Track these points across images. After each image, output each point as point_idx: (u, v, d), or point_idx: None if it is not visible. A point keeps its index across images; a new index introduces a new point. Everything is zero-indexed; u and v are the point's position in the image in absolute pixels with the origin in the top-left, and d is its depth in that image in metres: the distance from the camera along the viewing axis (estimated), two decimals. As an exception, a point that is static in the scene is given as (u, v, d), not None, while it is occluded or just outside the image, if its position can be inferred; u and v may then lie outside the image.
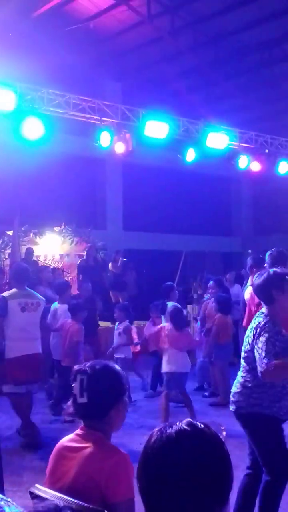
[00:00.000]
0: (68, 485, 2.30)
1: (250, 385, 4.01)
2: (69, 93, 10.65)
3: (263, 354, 3.81)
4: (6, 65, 10.14)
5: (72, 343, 7.55)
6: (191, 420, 1.51)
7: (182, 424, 1.49)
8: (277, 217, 19.38)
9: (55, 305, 8.44)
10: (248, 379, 4.03)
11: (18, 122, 9.72)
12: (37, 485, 2.30)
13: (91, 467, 2.29)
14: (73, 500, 2.08)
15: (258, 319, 4.04)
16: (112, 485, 2.22)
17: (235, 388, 4.14)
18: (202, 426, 1.50)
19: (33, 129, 9.80)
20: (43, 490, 2.24)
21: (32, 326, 6.66)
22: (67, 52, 13.49)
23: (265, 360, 3.79)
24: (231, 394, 4.18)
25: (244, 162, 13.20)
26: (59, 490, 2.26)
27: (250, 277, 6.95)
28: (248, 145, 13.25)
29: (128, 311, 8.98)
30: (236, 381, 4.18)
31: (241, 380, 4.09)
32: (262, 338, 3.88)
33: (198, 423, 1.50)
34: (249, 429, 4.08)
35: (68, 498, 2.11)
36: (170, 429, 1.48)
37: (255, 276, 4.35)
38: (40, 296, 7.02)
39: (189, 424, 1.49)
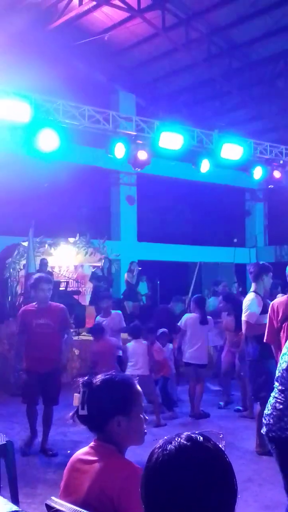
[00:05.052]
0: (82, 499, 2.27)
1: (281, 407, 3.71)
2: (84, 104, 10.73)
3: (279, 373, 3.76)
4: (22, 77, 10.25)
5: None
6: (190, 434, 1.49)
7: (181, 439, 1.47)
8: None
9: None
10: (279, 400, 3.74)
11: (33, 134, 9.79)
12: (53, 498, 2.28)
13: (103, 480, 2.25)
14: None
15: None
16: (125, 499, 2.17)
17: (267, 410, 3.85)
18: (201, 439, 1.47)
19: (48, 140, 9.87)
20: (59, 503, 2.22)
21: None
22: (82, 64, 13.59)
23: (279, 376, 3.73)
24: (264, 415, 3.89)
25: (258, 172, 13.19)
26: (73, 503, 2.23)
27: (253, 285, 6.79)
28: (262, 156, 13.24)
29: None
30: (268, 402, 3.87)
31: (273, 401, 3.80)
32: (283, 355, 3.82)
33: (197, 436, 1.48)
34: (278, 452, 3.80)
35: None
36: (169, 445, 1.46)
37: None
38: None
39: (188, 438, 1.47)
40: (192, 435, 1.48)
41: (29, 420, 6.72)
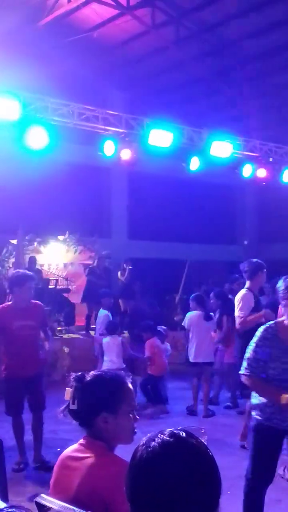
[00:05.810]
0: (72, 496, 2.26)
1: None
2: (74, 102, 10.68)
3: (245, 357, 3.94)
4: (11, 74, 10.19)
5: None
6: (172, 430, 1.50)
7: (165, 435, 1.47)
8: (281, 226, 19.33)
9: None
10: None
11: (22, 131, 9.74)
12: (42, 495, 2.27)
13: (93, 477, 2.25)
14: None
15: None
16: (116, 495, 2.15)
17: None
18: (184, 434, 1.48)
19: (38, 138, 9.81)
20: (49, 500, 2.21)
21: None
22: (71, 61, 13.54)
23: (244, 364, 3.90)
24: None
25: (248, 170, 13.18)
26: (63, 500, 2.21)
27: (248, 282, 6.82)
28: (252, 154, 13.23)
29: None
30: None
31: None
32: (251, 341, 3.98)
33: (180, 432, 1.49)
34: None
35: (78, 509, 2.07)
36: (153, 442, 1.47)
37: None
38: None
39: (172, 434, 1.48)
40: (175, 431, 1.49)
41: (16, 436, 6.19)
